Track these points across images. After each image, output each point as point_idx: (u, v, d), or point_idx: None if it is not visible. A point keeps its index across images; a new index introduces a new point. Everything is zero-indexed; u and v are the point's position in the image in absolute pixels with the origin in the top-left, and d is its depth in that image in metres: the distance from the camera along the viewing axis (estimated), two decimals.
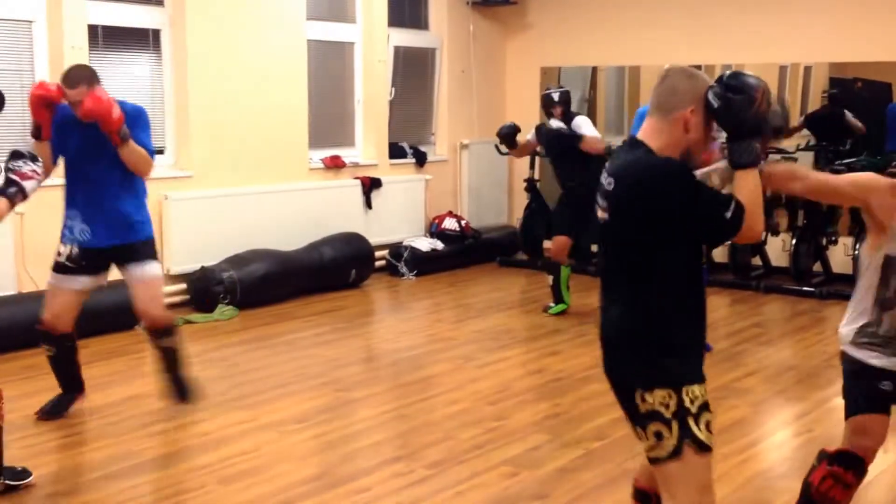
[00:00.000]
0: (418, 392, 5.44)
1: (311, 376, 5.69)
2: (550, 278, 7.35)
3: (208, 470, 4.25)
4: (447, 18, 9.55)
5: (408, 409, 5.14)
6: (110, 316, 6.38)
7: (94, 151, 4.60)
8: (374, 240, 8.42)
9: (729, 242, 7.55)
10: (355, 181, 8.65)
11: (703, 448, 2.65)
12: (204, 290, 7.13)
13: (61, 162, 4.72)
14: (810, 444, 4.55)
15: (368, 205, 8.70)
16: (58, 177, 4.85)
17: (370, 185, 8.70)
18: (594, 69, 9.93)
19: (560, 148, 7.26)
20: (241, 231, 7.56)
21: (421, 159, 9.37)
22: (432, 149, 9.68)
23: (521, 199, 9.49)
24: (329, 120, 8.76)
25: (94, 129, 4.51)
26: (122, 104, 4.58)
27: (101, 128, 4.48)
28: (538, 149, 8.02)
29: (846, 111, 8.41)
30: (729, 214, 2.58)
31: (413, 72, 9.48)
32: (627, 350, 2.71)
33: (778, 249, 8.28)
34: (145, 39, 7.28)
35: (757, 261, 8.47)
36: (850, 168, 7.83)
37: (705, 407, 2.66)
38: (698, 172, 2.75)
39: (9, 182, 3.91)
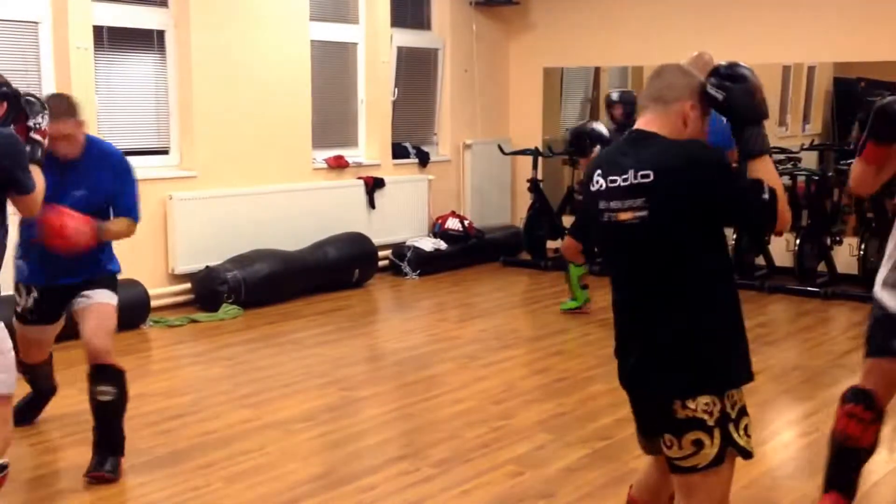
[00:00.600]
0: (423, 391, 5.44)
1: (315, 375, 5.70)
2: (566, 274, 7.35)
3: (214, 468, 4.26)
4: (450, 19, 9.56)
5: (413, 409, 5.15)
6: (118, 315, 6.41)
7: (64, 192, 4.00)
8: (377, 239, 8.43)
9: (732, 243, 7.63)
10: (358, 181, 8.66)
11: (745, 455, 2.58)
12: (208, 290, 7.16)
13: None
14: (817, 443, 4.52)
15: (372, 205, 8.71)
16: None
17: (373, 185, 8.71)
18: (597, 69, 9.94)
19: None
20: (245, 231, 7.58)
21: (424, 159, 9.38)
22: (435, 149, 9.69)
23: (525, 200, 9.49)
24: (332, 120, 8.77)
25: (72, 169, 4.05)
26: (109, 152, 4.19)
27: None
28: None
29: None
30: (766, 197, 2.51)
31: (416, 72, 9.50)
32: (665, 356, 2.58)
33: (781, 249, 8.23)
34: (150, 40, 7.30)
35: (760, 261, 8.42)
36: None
37: (744, 411, 2.59)
38: None
39: (34, 144, 3.46)
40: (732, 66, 2.65)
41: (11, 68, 6.45)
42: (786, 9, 8.51)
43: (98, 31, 6.82)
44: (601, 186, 2.62)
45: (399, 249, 8.74)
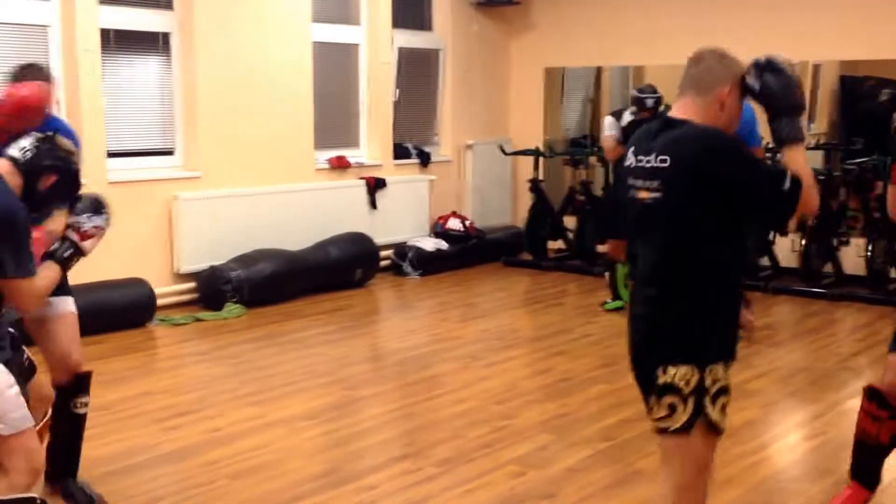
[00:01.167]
0: (425, 391, 5.47)
1: (318, 374, 5.73)
2: (607, 275, 7.38)
3: (219, 465, 4.30)
4: (451, 19, 9.59)
5: (415, 408, 5.18)
6: (124, 313, 6.54)
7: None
8: (379, 239, 8.47)
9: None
10: (360, 181, 8.69)
11: (714, 429, 2.67)
12: (212, 289, 7.21)
13: None
14: (823, 446, 4.55)
15: (373, 205, 8.75)
16: None
17: (375, 186, 8.75)
18: (598, 69, 9.96)
19: None
20: (248, 231, 7.62)
21: (425, 160, 9.41)
22: (436, 149, 9.71)
23: (526, 200, 9.51)
24: (334, 121, 8.80)
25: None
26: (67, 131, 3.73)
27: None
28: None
29: None
30: (787, 187, 2.59)
31: (417, 73, 9.53)
32: (657, 332, 2.72)
33: (787, 250, 8.12)
34: (155, 42, 7.36)
35: (765, 261, 8.24)
36: (862, 168, 7.81)
37: (724, 391, 2.67)
38: None
39: (65, 241, 3.30)
40: (772, 59, 2.75)
41: None
42: (791, 7, 8.46)
43: (105, 34, 6.89)
44: (631, 163, 2.76)
45: (401, 249, 8.78)
